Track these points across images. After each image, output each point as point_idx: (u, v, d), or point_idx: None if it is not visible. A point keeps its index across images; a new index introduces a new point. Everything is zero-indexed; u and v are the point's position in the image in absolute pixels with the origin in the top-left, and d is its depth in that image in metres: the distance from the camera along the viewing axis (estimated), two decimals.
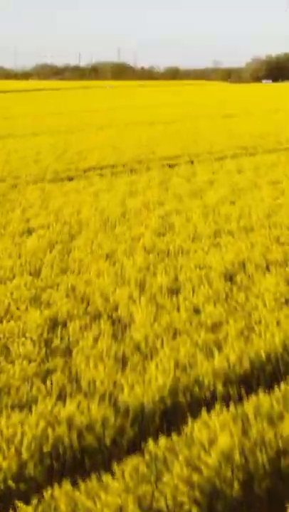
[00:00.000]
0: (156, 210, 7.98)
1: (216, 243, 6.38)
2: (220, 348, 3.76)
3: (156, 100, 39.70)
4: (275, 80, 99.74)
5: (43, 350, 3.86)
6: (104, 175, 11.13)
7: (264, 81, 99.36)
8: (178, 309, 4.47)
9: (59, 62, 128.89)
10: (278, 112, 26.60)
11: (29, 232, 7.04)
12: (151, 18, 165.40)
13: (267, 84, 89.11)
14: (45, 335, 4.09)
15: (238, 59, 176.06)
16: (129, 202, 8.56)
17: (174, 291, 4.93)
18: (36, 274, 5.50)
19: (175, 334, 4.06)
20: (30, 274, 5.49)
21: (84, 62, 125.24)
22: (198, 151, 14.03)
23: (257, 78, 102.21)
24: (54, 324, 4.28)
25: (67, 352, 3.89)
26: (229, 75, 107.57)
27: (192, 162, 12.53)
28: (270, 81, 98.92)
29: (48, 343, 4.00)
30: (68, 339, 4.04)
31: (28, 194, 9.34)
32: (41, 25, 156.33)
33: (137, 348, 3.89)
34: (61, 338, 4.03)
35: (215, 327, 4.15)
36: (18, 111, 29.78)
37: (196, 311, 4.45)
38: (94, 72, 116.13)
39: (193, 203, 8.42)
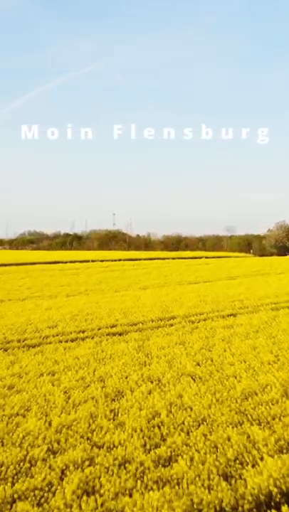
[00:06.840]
0: None
1: None
2: None
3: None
4: None
5: None
6: None
7: None
8: None
9: (52, 229, 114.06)
10: None
11: None
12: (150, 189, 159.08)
13: None
14: None
15: (257, 225, 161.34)
16: None
17: None
18: None
19: None
20: None
21: (78, 230, 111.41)
22: None
23: (283, 248, 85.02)
24: None
25: None
26: (248, 245, 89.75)
27: None
28: None
29: None
30: None
31: None
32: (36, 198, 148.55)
33: None
34: None
35: None
36: None
37: None
38: (76, 241, 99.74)
39: None
